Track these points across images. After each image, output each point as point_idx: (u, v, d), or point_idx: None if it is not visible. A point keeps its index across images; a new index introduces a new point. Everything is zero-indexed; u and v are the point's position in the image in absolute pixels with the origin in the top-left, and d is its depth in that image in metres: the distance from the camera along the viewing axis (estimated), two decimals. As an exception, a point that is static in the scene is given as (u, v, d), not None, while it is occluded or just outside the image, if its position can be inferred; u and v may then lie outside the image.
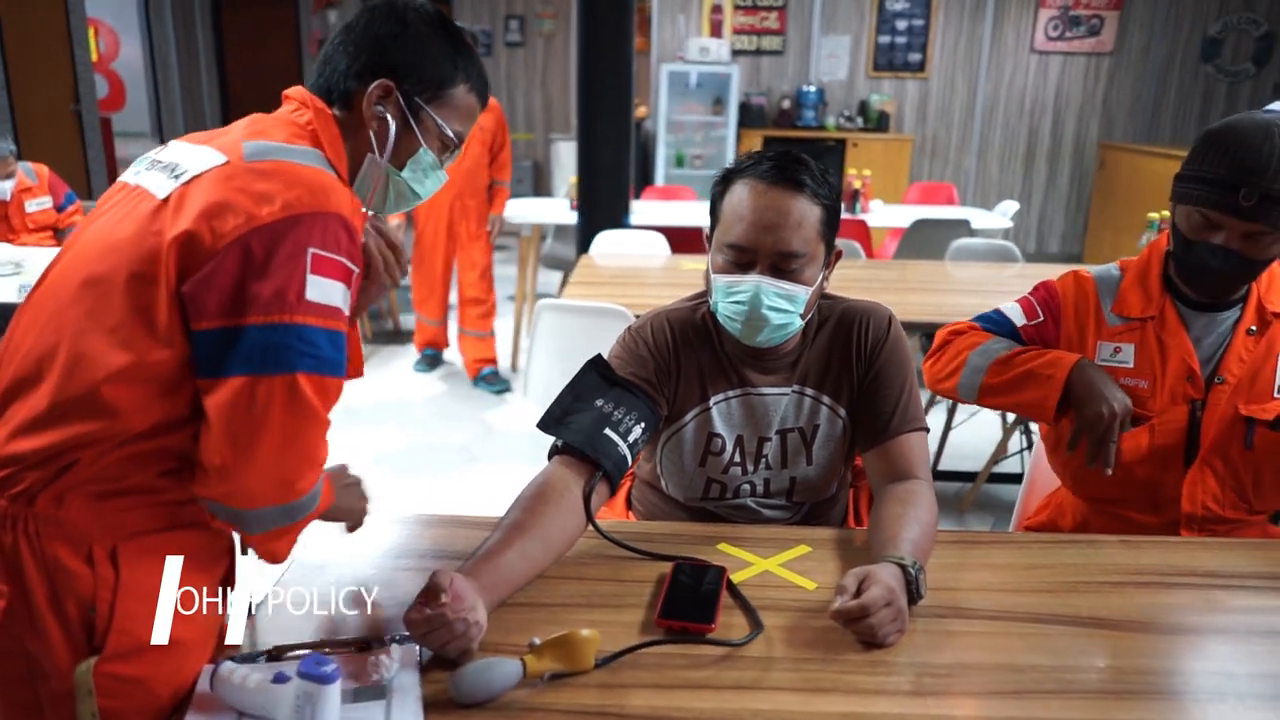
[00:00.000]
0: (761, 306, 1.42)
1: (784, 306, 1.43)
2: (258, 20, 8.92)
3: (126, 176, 1.18)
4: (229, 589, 1.28)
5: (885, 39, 7.64)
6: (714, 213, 1.50)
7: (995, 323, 1.74)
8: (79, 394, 1.03)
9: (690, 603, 1.26)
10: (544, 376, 2.79)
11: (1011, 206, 5.25)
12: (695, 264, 3.68)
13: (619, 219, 4.17)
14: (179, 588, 1.09)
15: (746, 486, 1.58)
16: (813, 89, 7.55)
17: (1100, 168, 7.37)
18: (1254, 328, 1.58)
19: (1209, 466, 1.60)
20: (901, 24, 7.59)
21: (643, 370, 1.52)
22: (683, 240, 4.14)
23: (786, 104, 7.61)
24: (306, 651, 1.12)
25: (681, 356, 1.55)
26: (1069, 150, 7.81)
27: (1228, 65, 7.50)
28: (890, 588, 1.20)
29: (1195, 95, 7.59)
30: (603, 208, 4.14)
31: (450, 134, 1.26)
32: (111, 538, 1.06)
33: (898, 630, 1.20)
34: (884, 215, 4.96)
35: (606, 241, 3.92)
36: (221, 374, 1.02)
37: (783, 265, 1.42)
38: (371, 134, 1.21)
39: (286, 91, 1.25)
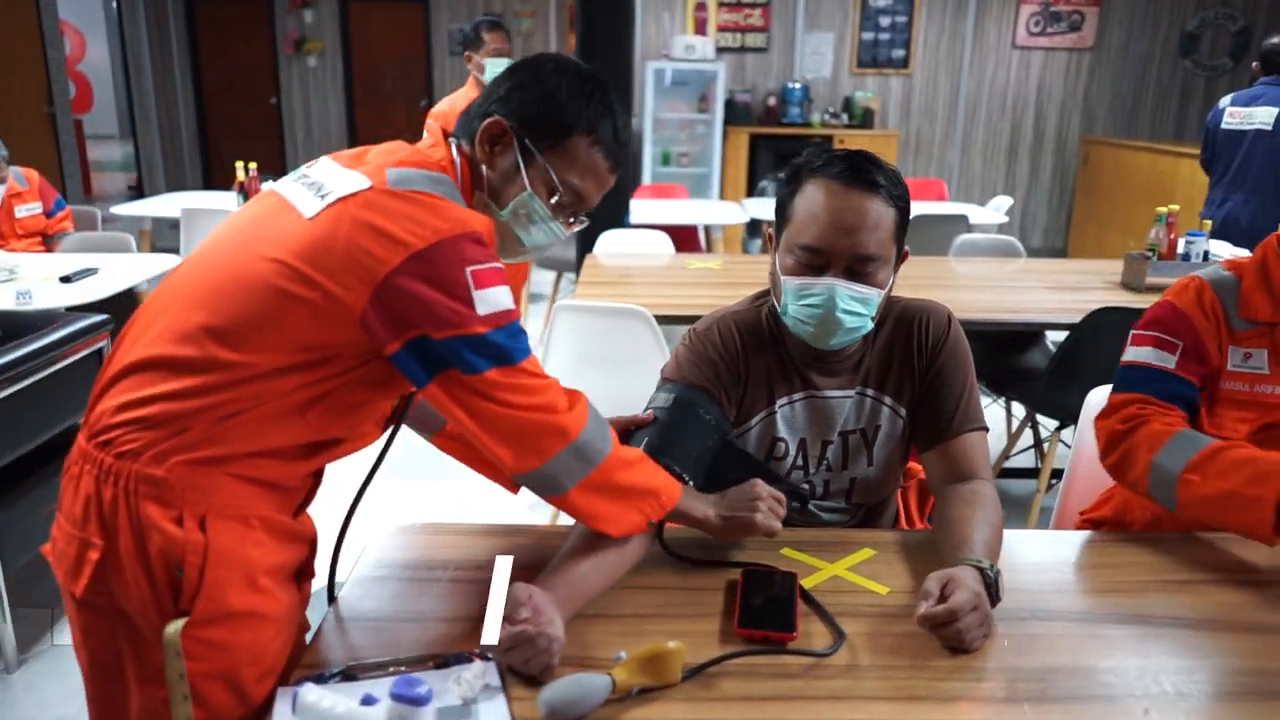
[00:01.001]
0: (836, 310, 1.39)
1: (858, 310, 1.40)
2: (232, 20, 8.79)
3: (276, 185, 1.26)
4: (307, 579, 1.31)
5: (869, 35, 7.65)
6: (782, 211, 1.46)
7: (1154, 380, 1.56)
8: (209, 379, 1.11)
9: (767, 610, 1.23)
10: (561, 378, 2.75)
11: (1005, 202, 5.28)
12: (702, 263, 3.66)
13: (620, 218, 4.13)
14: (264, 564, 1.15)
15: (806, 488, 1.56)
16: (798, 86, 7.55)
17: (1084, 162, 7.43)
18: None
19: None
20: (885, 20, 7.60)
21: (712, 373, 1.49)
22: (682, 239, 4.12)
23: (772, 101, 7.60)
24: (383, 670, 1.08)
25: (750, 360, 1.52)
26: (1051, 145, 7.87)
27: (1205, 60, 7.59)
28: (976, 591, 1.18)
29: (1174, 90, 7.67)
30: (602, 207, 4.09)
31: (556, 181, 1.25)
32: (204, 505, 1.11)
33: (984, 635, 1.18)
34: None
35: (610, 241, 3.88)
36: (423, 384, 1.14)
37: (858, 268, 1.39)
38: (484, 171, 1.26)
39: (428, 125, 1.33)
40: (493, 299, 1.12)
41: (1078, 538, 1.52)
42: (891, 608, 1.28)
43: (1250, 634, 1.23)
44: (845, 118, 7.62)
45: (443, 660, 1.11)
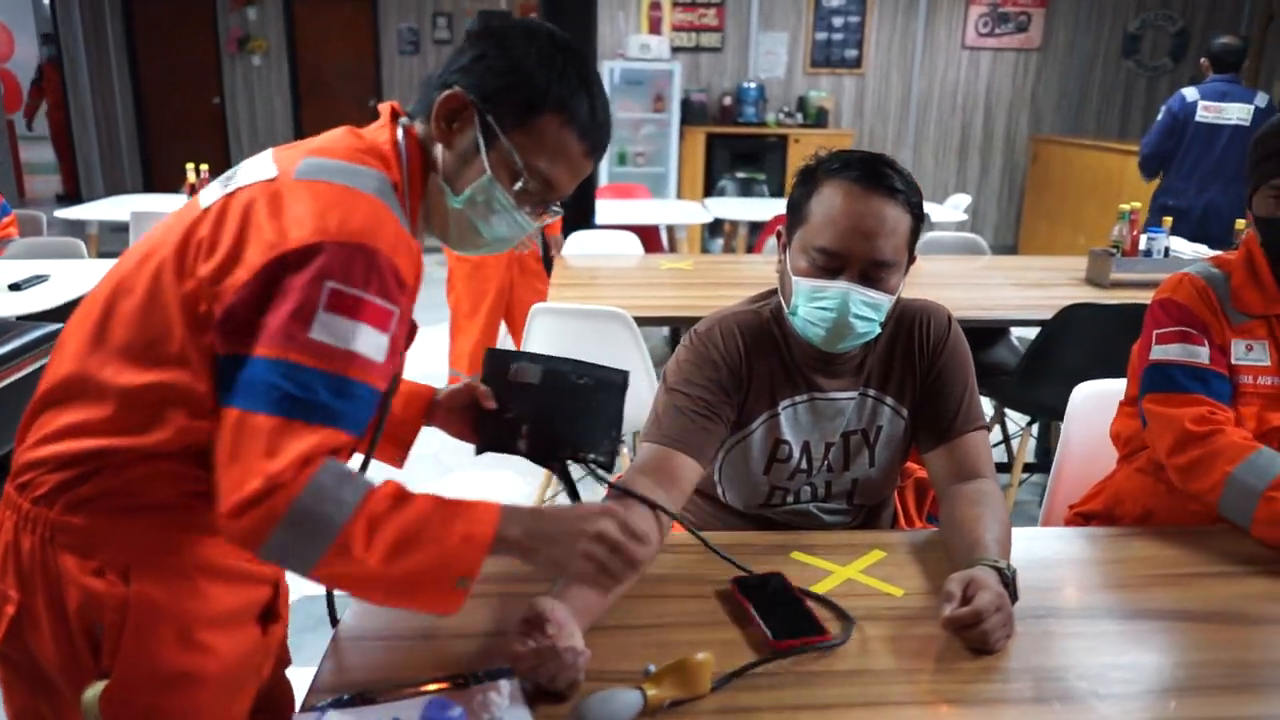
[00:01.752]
0: (849, 314, 1.38)
1: (869, 315, 1.39)
2: (172, 17, 8.56)
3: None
4: (272, 622, 1.20)
5: (822, 36, 7.71)
6: (797, 211, 1.43)
7: (1197, 377, 1.57)
8: (104, 408, 1.01)
9: (791, 618, 1.22)
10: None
11: (964, 200, 5.35)
12: (673, 264, 3.64)
13: (586, 218, 4.10)
14: (205, 615, 1.05)
15: (808, 490, 1.55)
16: (753, 85, 7.58)
17: (1033, 160, 7.57)
18: None
19: None
20: (838, 21, 7.67)
21: (715, 375, 1.47)
22: (643, 239, 4.10)
23: (727, 101, 7.62)
24: (402, 692, 1.04)
25: (753, 362, 1.50)
26: (1000, 144, 8.01)
27: (1147, 60, 7.78)
28: (998, 592, 1.18)
29: (1118, 89, 7.85)
30: (568, 208, 4.06)
31: (521, 165, 1.10)
32: (128, 554, 1.02)
33: (1007, 635, 1.18)
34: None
35: (578, 242, 3.85)
36: (223, 403, 0.96)
37: (872, 274, 1.38)
38: (439, 150, 1.12)
39: (380, 105, 1.16)
40: (343, 332, 0.94)
41: (1078, 534, 1.53)
42: (910, 610, 1.27)
43: (1259, 626, 1.25)
44: (800, 117, 7.67)
45: (463, 680, 1.08)
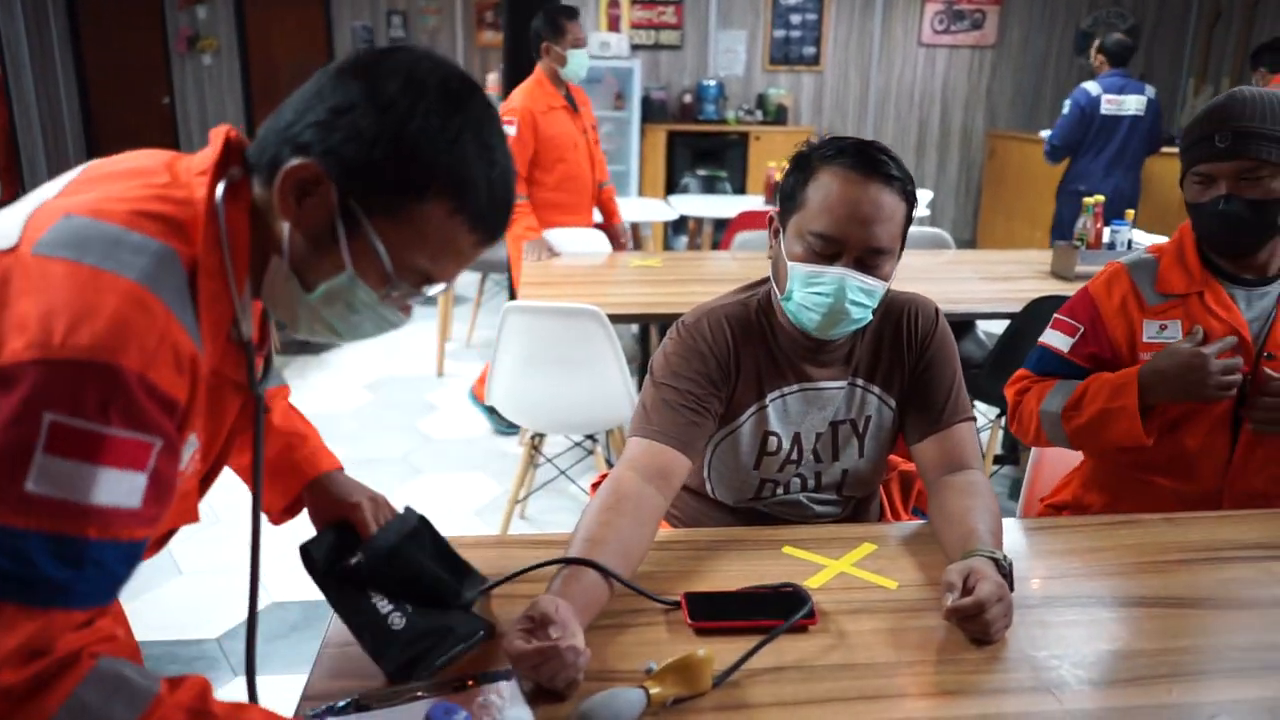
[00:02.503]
0: (845, 300, 1.38)
1: (864, 301, 1.39)
2: (118, 15, 8.37)
3: None
4: None
5: (780, 33, 7.74)
6: (792, 198, 1.42)
7: (1045, 361, 1.77)
8: None
9: (763, 605, 1.22)
10: (510, 381, 2.68)
11: (926, 195, 5.40)
12: (642, 261, 3.62)
13: (552, 217, 4.06)
14: None
15: (797, 481, 1.55)
16: (712, 83, 7.59)
17: (990, 156, 7.67)
18: None
19: (1258, 443, 1.63)
20: (796, 18, 7.71)
21: (703, 368, 1.46)
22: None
23: (688, 98, 7.62)
24: (400, 697, 1.02)
25: (741, 353, 1.49)
26: (957, 139, 8.10)
27: (1098, 57, 7.91)
28: (998, 582, 1.18)
29: (1071, 85, 7.94)
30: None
31: (390, 265, 0.86)
32: None
33: (1007, 624, 1.18)
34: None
35: (547, 240, 3.83)
36: None
37: (868, 260, 1.38)
38: (284, 227, 0.86)
39: (217, 130, 0.89)
40: (72, 480, 0.72)
41: (1058, 524, 1.54)
42: (907, 602, 1.27)
43: (1246, 611, 1.27)
44: (760, 114, 7.69)
45: (462, 683, 1.05)
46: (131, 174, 0.85)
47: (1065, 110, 5.15)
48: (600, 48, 7.15)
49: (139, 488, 0.76)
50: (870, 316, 1.43)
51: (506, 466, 3.63)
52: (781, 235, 1.45)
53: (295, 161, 0.83)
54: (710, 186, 6.01)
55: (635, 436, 1.43)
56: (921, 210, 5.12)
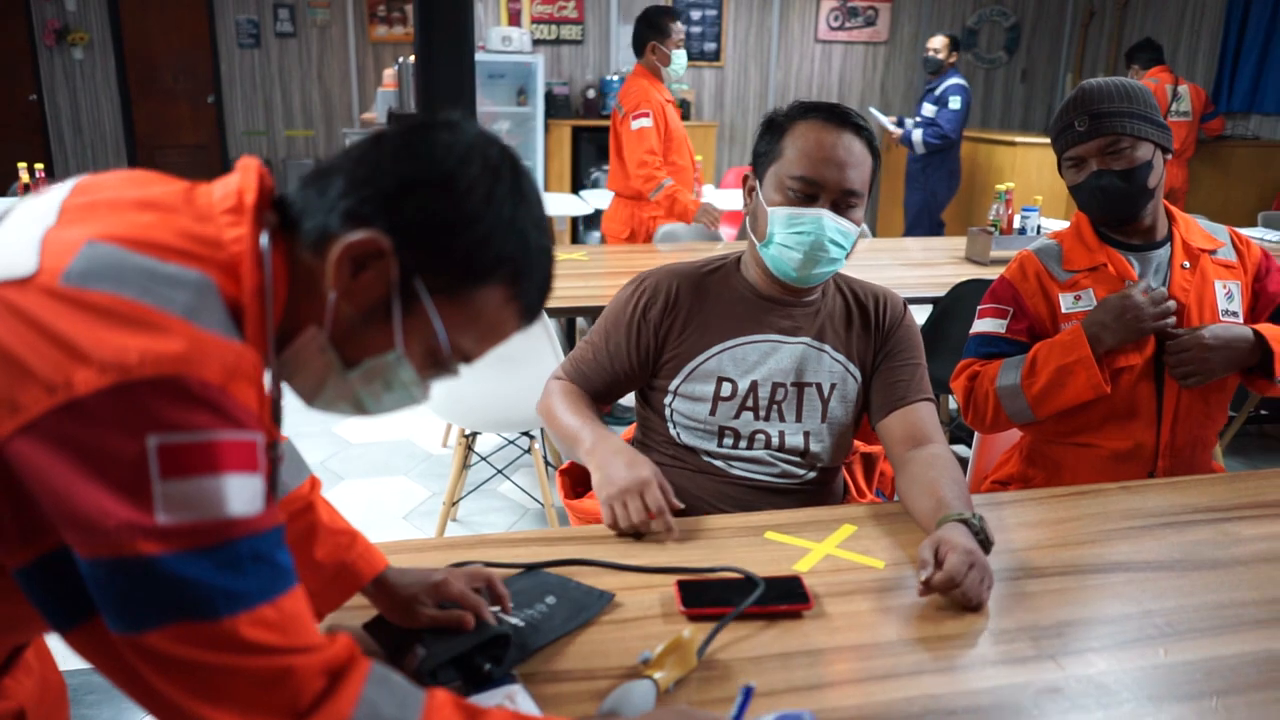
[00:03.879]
0: (824, 238, 1.47)
1: (840, 242, 1.49)
2: (-22, 6, 7.83)
3: None
4: None
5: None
6: (769, 154, 1.52)
7: (986, 344, 1.84)
8: None
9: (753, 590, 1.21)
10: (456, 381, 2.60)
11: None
12: (567, 255, 3.58)
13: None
14: None
15: (761, 437, 1.59)
16: (616, 78, 7.56)
17: (886, 149, 7.86)
18: (1186, 263, 1.77)
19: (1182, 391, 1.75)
20: (696, 14, 7.75)
21: (639, 320, 1.59)
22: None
23: (591, 94, 7.58)
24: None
25: (687, 308, 1.59)
26: (853, 134, 8.26)
27: (984, 54, 8.21)
28: (968, 549, 1.21)
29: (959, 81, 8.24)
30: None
31: (445, 343, 0.83)
32: None
33: (988, 587, 1.21)
34: (720, 200, 5.03)
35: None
36: (61, 630, 0.74)
37: (844, 203, 1.48)
38: (329, 299, 0.80)
39: (242, 161, 0.83)
40: (196, 496, 0.68)
41: (1021, 497, 1.57)
42: (895, 580, 1.28)
43: (1216, 570, 1.32)
44: (662, 109, 7.71)
45: (464, 691, 1.01)
46: (146, 206, 0.77)
47: (956, 105, 5.39)
48: (502, 43, 7.05)
49: (259, 492, 0.73)
50: (843, 262, 1.52)
51: (431, 469, 3.54)
52: (758, 189, 1.54)
53: (361, 235, 0.78)
54: (620, 181, 5.98)
55: (560, 376, 1.66)
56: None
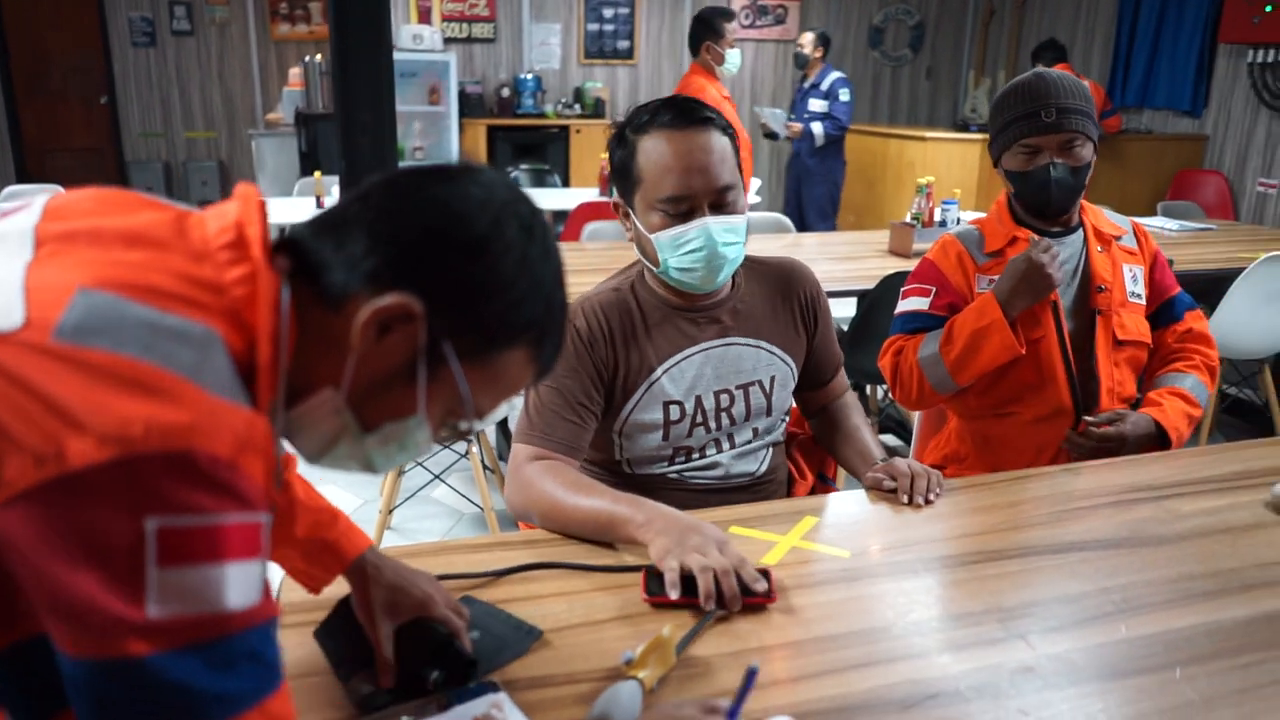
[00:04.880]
0: (717, 246, 1.42)
1: (733, 239, 1.45)
2: None
3: None
4: None
5: (594, 26, 7.76)
6: (626, 176, 1.46)
7: (910, 321, 1.91)
8: None
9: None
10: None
11: (756, 183, 5.55)
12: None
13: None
14: None
15: (714, 446, 1.59)
16: (529, 77, 7.51)
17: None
18: (1100, 247, 1.87)
19: (1110, 360, 1.87)
20: (608, 12, 7.74)
21: (580, 364, 1.49)
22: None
23: (505, 92, 7.50)
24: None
25: (623, 337, 1.53)
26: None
27: (890, 51, 8.41)
28: (908, 461, 1.50)
29: (866, 78, 8.43)
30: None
31: (470, 406, 0.80)
32: None
33: (940, 484, 1.48)
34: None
35: None
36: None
37: (721, 201, 1.43)
38: (349, 361, 0.76)
39: (240, 189, 0.77)
40: (194, 587, 0.62)
41: (971, 483, 1.60)
42: (863, 570, 1.30)
43: (1163, 546, 1.37)
44: (578, 108, 7.68)
45: (444, 700, 0.98)
46: (134, 241, 0.70)
47: (847, 96, 5.77)
48: (413, 41, 6.93)
49: (259, 579, 0.66)
50: (743, 253, 1.49)
51: (359, 476, 3.45)
52: (633, 214, 1.48)
53: (392, 299, 0.73)
54: (540, 180, 5.95)
55: (520, 443, 1.46)
56: (753, 197, 5.27)
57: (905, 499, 1.46)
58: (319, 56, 7.31)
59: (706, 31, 4.19)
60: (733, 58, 4.20)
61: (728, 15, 4.24)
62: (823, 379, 1.69)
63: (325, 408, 0.77)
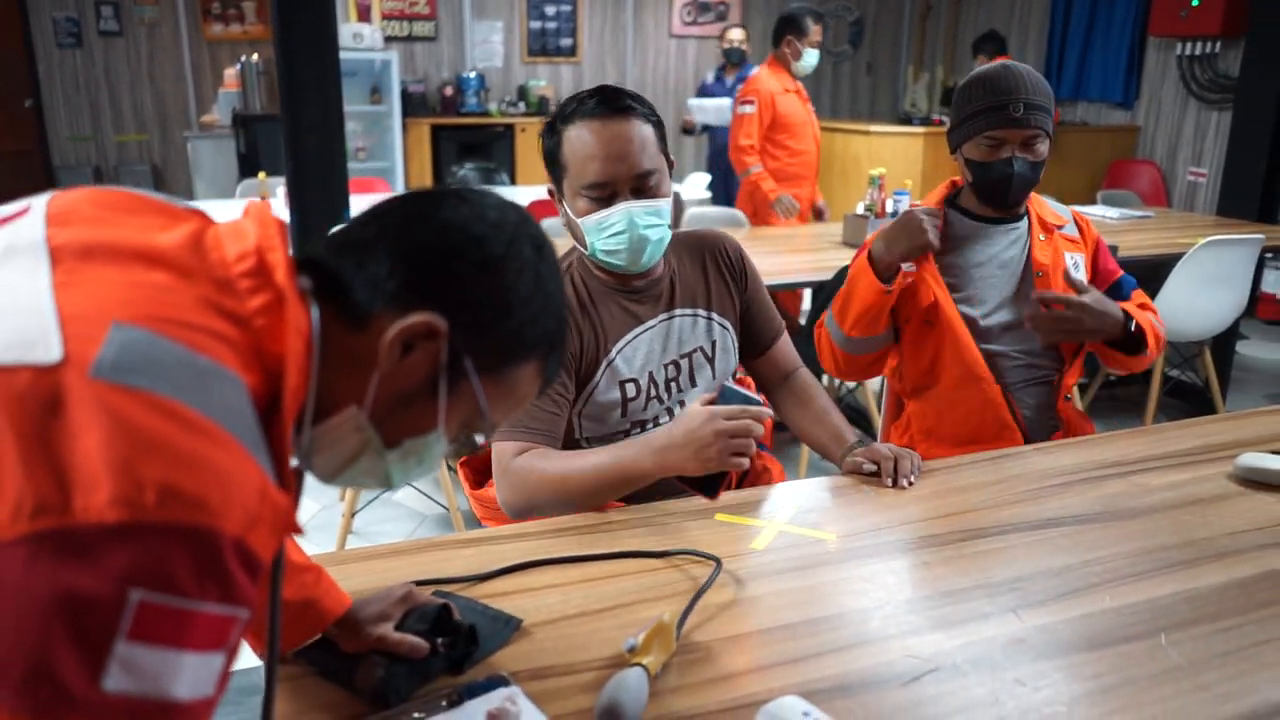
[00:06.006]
0: (639, 229, 1.48)
1: (655, 222, 1.50)
2: None
3: None
4: None
5: (536, 24, 7.72)
6: (555, 164, 1.52)
7: (841, 276, 2.00)
8: None
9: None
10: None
11: (704, 179, 5.58)
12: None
13: (339, 214, 3.83)
14: None
15: (667, 415, 1.62)
16: (473, 75, 7.45)
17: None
18: (1043, 235, 1.94)
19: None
20: (550, 9, 7.71)
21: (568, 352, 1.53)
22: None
23: (449, 91, 7.43)
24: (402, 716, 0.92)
25: (574, 320, 1.56)
26: (711, 127, 8.41)
27: (831, 47, 8.49)
28: (887, 445, 1.55)
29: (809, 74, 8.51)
30: (317, 204, 3.77)
31: (487, 419, 0.84)
32: None
33: (917, 465, 1.54)
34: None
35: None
36: None
37: (642, 186, 1.48)
38: (373, 379, 0.77)
39: (256, 210, 0.77)
40: (151, 668, 0.59)
41: (949, 464, 1.62)
42: (850, 551, 1.31)
43: (1135, 519, 1.41)
44: (522, 106, 7.64)
45: (456, 695, 0.97)
46: (155, 262, 0.69)
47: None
48: (353, 40, 6.83)
49: (216, 671, 0.63)
50: (668, 232, 1.54)
51: (320, 485, 3.39)
52: (563, 201, 1.55)
53: (417, 318, 0.76)
54: (488, 179, 5.90)
55: (502, 441, 1.47)
56: (703, 193, 5.29)
57: (889, 481, 1.50)
58: (255, 56, 7.17)
59: (791, 26, 4.35)
60: (809, 57, 4.37)
61: (817, 17, 4.39)
62: (764, 343, 1.73)
63: (348, 426, 0.79)
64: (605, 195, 1.47)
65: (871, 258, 1.84)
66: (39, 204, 0.73)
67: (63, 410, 0.59)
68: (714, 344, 1.66)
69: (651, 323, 1.60)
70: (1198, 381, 4.05)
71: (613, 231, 1.48)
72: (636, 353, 1.59)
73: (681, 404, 1.62)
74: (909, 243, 1.82)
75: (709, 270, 1.67)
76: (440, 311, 0.77)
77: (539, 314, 0.83)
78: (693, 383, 1.64)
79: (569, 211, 1.52)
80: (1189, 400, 4.09)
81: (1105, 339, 1.83)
